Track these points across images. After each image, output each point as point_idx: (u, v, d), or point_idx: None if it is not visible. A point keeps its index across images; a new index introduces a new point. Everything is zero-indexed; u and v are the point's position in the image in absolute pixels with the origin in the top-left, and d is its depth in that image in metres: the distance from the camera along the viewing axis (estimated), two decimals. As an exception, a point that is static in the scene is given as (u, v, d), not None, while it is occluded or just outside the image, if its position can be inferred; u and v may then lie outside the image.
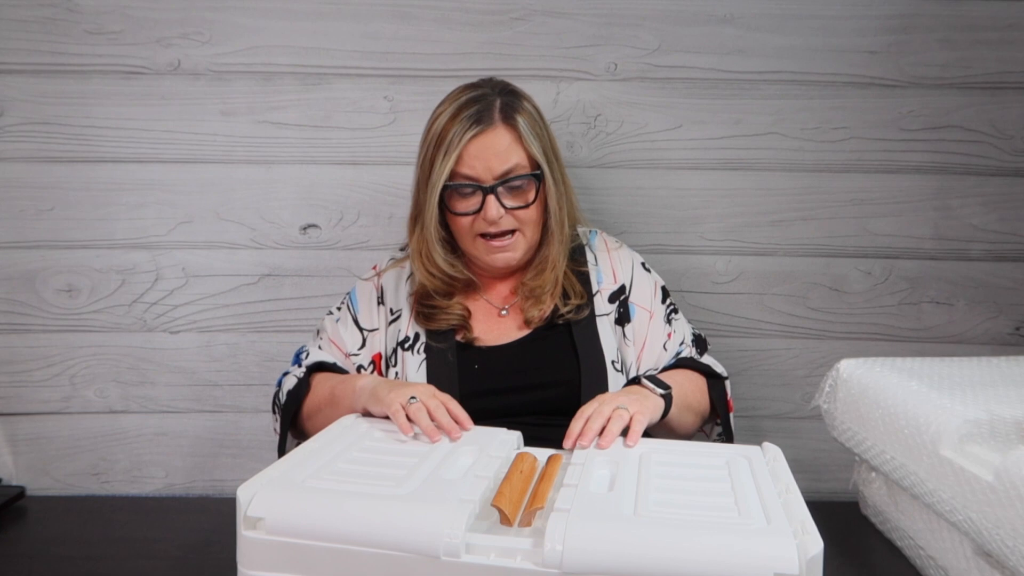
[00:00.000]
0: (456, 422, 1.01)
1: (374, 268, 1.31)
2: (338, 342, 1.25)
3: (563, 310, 1.20)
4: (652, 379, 1.14)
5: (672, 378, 1.17)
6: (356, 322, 1.26)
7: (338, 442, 0.96)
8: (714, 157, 1.51)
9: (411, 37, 1.47)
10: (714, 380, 1.24)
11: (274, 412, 1.23)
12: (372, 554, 0.73)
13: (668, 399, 1.12)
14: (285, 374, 1.24)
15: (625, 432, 1.01)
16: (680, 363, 1.24)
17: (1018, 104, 1.49)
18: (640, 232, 1.49)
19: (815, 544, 0.72)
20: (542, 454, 0.96)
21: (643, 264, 1.30)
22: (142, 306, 1.51)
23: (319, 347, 1.26)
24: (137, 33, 1.45)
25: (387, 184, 1.50)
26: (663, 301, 1.27)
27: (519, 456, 0.92)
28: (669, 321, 1.26)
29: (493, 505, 0.78)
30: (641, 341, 1.24)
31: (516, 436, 1.01)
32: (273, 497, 0.77)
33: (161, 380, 1.52)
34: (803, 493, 0.85)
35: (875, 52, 1.48)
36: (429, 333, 1.21)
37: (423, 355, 1.19)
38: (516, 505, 0.80)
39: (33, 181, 1.47)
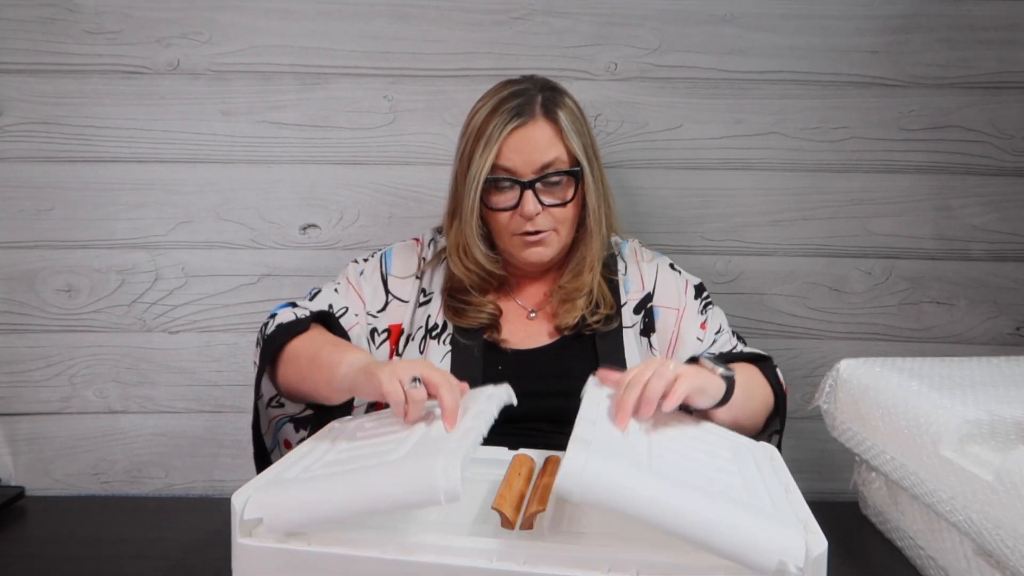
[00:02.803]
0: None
1: (416, 240, 1.28)
2: (358, 291, 1.21)
3: (590, 320, 1.18)
4: (712, 358, 1.03)
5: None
6: (385, 282, 1.22)
7: (325, 443, 0.95)
8: (714, 157, 1.50)
9: (411, 37, 1.47)
10: (764, 363, 1.16)
11: (257, 344, 1.14)
12: (372, 559, 0.73)
13: (730, 381, 0.99)
14: (284, 306, 1.18)
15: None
16: (723, 357, 1.12)
17: (1019, 104, 1.49)
18: (640, 232, 1.49)
19: (819, 543, 0.71)
20: (539, 456, 0.96)
21: (671, 265, 1.27)
22: (142, 306, 1.50)
23: (335, 289, 1.21)
24: (137, 33, 1.45)
25: (387, 184, 1.50)
26: (696, 297, 1.24)
27: (517, 458, 0.91)
28: (703, 312, 1.22)
29: (494, 508, 0.78)
30: (670, 340, 1.20)
31: (504, 388, 0.98)
32: (268, 496, 0.77)
33: (161, 380, 1.52)
34: (803, 493, 0.85)
35: (876, 52, 1.48)
36: (457, 328, 1.19)
37: (449, 347, 1.17)
38: (516, 508, 0.80)
39: (32, 181, 1.47)
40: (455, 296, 1.20)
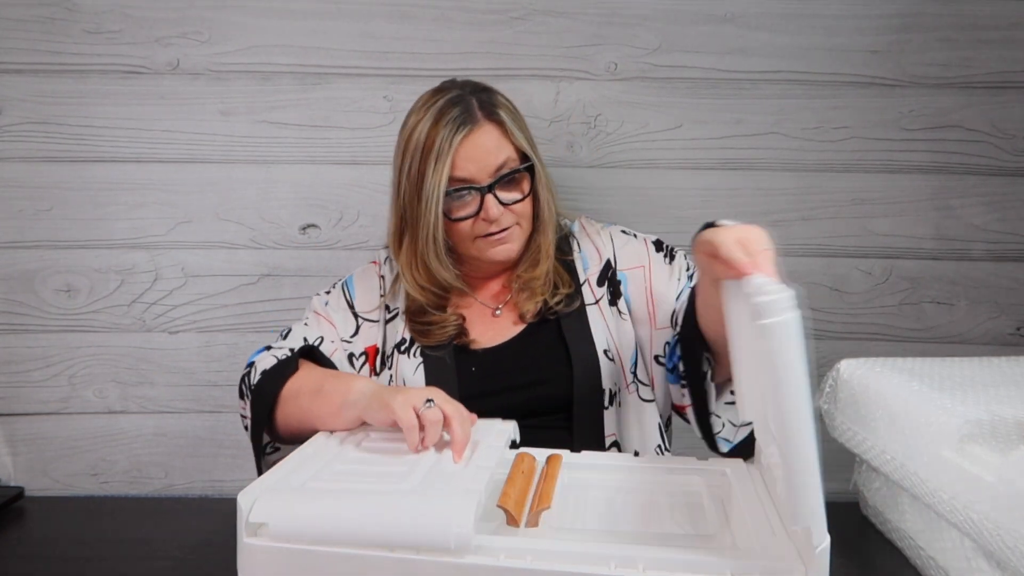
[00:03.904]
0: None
1: (374, 263, 1.29)
2: (329, 319, 1.21)
3: (552, 302, 1.18)
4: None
5: None
6: (352, 307, 1.23)
7: (332, 445, 0.95)
8: (714, 157, 1.50)
9: (411, 37, 1.47)
10: None
11: (242, 397, 1.12)
12: (379, 558, 0.73)
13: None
14: (260, 351, 1.15)
15: None
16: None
17: (1019, 104, 1.49)
18: (640, 232, 1.49)
19: (822, 537, 0.71)
20: (541, 454, 0.96)
21: (623, 231, 1.27)
22: (141, 306, 1.50)
23: (305, 323, 1.21)
24: (136, 33, 1.45)
25: (387, 184, 1.48)
26: (658, 250, 1.23)
27: (519, 456, 0.92)
28: (668, 260, 1.22)
29: (499, 506, 0.78)
30: (645, 298, 1.19)
31: (512, 425, 1.00)
32: (275, 502, 0.76)
33: (160, 380, 1.52)
34: (804, 494, 0.85)
35: (876, 51, 1.48)
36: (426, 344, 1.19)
37: (420, 358, 1.18)
38: (521, 505, 0.80)
39: (31, 181, 1.47)
40: (416, 320, 1.19)
